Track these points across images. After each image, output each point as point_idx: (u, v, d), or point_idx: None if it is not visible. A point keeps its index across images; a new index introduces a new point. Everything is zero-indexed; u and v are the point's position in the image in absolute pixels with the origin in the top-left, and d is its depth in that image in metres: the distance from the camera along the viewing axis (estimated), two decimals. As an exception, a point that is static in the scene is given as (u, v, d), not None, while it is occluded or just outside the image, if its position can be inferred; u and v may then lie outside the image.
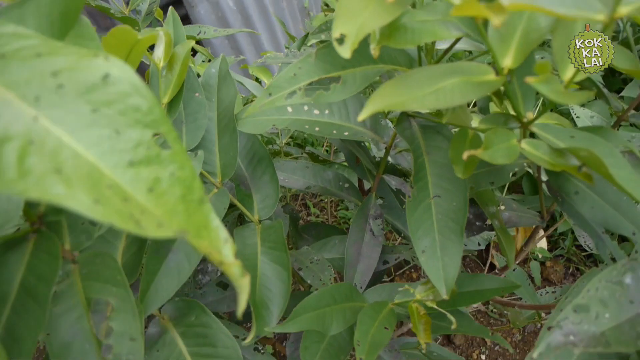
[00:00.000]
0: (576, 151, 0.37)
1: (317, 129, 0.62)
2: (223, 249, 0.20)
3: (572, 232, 1.45)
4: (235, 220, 0.76)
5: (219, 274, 0.68)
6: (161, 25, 1.14)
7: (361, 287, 0.62)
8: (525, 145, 0.40)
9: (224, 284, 0.70)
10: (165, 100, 0.56)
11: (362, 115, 0.36)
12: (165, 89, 0.56)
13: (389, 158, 0.72)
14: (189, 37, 0.89)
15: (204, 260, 0.70)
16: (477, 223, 0.58)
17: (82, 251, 0.43)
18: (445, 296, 0.46)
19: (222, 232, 0.21)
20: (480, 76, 0.37)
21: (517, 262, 0.70)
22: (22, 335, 0.34)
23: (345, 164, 0.95)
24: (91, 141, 0.20)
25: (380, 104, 0.37)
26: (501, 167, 0.53)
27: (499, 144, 0.39)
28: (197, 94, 0.62)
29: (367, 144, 0.86)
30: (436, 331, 0.56)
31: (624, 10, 0.28)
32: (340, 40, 0.37)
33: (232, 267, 0.20)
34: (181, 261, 0.53)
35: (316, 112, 0.64)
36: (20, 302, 0.36)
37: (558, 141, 0.40)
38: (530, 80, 0.36)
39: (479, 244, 0.72)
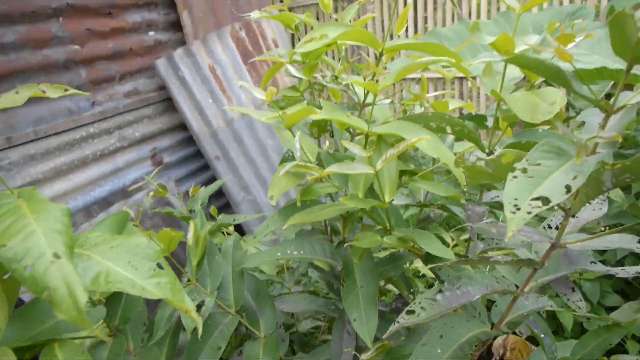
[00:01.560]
0: (407, 237, 0.68)
1: (297, 260, 0.94)
2: (190, 310, 0.52)
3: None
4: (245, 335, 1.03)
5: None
6: (214, 219, 1.57)
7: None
8: (386, 239, 0.72)
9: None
10: (194, 262, 0.89)
11: (285, 226, 0.71)
12: (193, 256, 0.90)
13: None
14: (225, 224, 1.29)
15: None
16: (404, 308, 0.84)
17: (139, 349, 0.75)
18: (370, 345, 0.73)
19: (190, 303, 0.52)
20: (342, 206, 0.71)
21: None
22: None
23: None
24: (129, 269, 0.53)
25: (296, 220, 0.72)
26: (398, 263, 0.83)
27: (366, 239, 0.71)
28: (217, 257, 0.96)
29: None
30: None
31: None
32: (271, 198, 0.73)
33: (192, 314, 0.51)
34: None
35: (296, 252, 0.96)
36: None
37: (401, 234, 0.71)
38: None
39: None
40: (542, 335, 0.81)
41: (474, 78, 3.02)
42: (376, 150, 0.74)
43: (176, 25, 2.20)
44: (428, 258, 0.81)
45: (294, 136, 0.79)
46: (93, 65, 1.89)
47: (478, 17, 3.15)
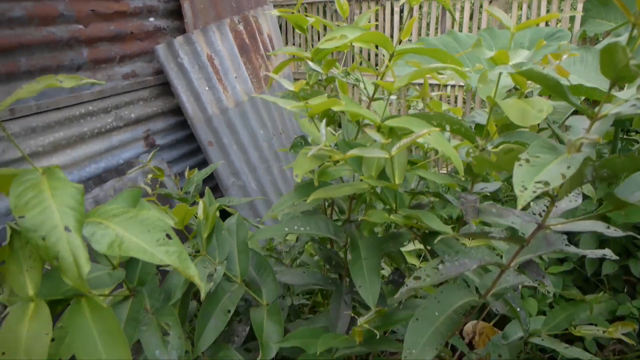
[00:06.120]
0: (411, 215, 0.79)
1: (304, 235, 1.04)
2: (194, 276, 0.61)
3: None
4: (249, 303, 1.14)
5: (242, 341, 1.04)
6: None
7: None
8: (392, 216, 0.83)
9: (248, 349, 1.05)
10: (205, 235, 0.99)
11: (309, 200, 0.81)
12: (204, 230, 0.99)
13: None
14: (220, 206, 1.38)
15: (232, 334, 1.06)
16: (400, 280, 0.96)
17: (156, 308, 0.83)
18: (373, 308, 0.84)
19: (194, 269, 0.61)
20: (359, 185, 0.82)
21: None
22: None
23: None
24: (141, 237, 0.61)
25: (318, 196, 0.82)
26: (398, 240, 0.94)
27: (376, 215, 0.82)
28: (223, 232, 1.05)
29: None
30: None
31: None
32: (297, 176, 0.83)
33: (195, 280, 0.60)
34: (217, 323, 0.92)
35: (302, 228, 1.06)
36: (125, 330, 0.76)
37: (406, 213, 0.82)
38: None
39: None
40: (518, 309, 0.93)
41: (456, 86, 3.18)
42: (390, 139, 0.85)
43: (175, 14, 2.26)
44: (425, 238, 0.93)
45: (316, 124, 0.90)
46: (95, 46, 1.93)
47: (460, 29, 3.32)
